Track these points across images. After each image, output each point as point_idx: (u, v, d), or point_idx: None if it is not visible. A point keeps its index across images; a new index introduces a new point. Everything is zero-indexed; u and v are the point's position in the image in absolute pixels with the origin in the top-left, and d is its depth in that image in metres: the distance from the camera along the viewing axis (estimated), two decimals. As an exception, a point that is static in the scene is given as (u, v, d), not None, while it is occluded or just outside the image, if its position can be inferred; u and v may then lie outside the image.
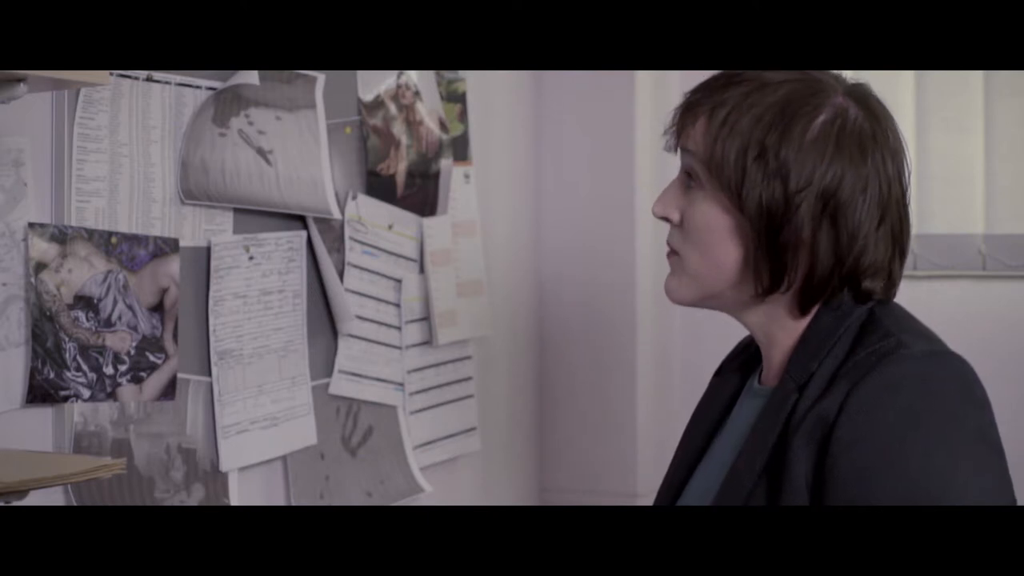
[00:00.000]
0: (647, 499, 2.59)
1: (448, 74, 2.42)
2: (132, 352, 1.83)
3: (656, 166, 2.68)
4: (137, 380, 1.84)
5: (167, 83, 1.88)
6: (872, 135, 1.37)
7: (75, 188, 1.76)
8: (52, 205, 1.74)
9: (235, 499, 1.99)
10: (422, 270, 2.35)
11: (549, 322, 2.76)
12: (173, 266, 1.89)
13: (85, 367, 1.77)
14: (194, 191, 1.92)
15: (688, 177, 1.42)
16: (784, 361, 1.40)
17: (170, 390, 1.89)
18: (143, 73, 1.84)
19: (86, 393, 1.77)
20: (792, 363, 1.37)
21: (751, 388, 1.48)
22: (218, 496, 1.96)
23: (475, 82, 2.50)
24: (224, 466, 1.97)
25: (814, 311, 1.39)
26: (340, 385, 2.19)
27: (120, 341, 1.81)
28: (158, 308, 1.87)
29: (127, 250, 1.82)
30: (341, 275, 2.17)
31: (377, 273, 2.25)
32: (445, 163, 2.39)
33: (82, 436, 1.77)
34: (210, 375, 1.96)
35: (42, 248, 1.72)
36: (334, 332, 2.18)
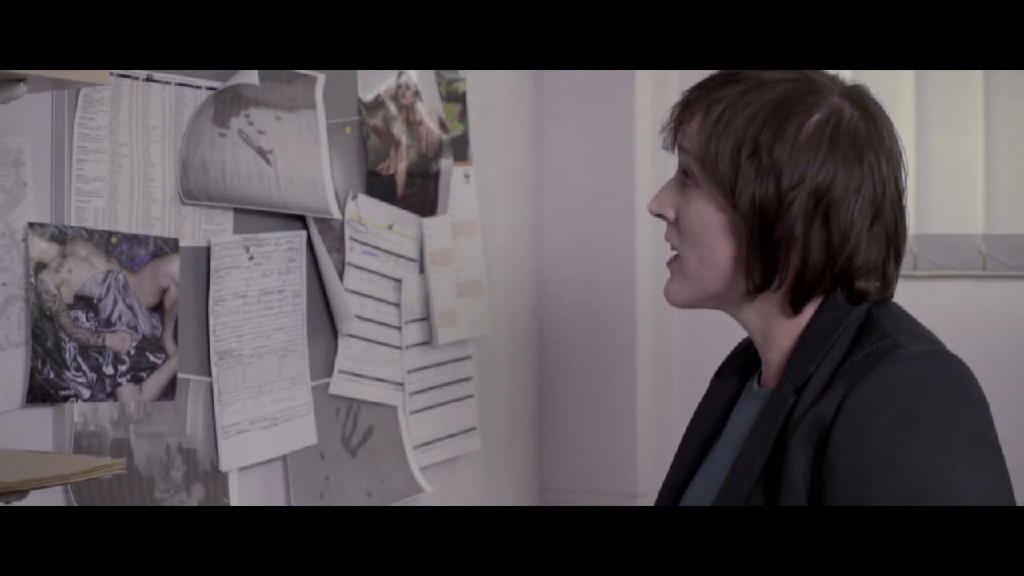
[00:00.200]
0: (647, 499, 2.59)
1: (448, 74, 2.42)
2: (132, 352, 1.83)
3: (656, 166, 2.68)
4: (137, 380, 1.84)
5: (167, 83, 1.88)
6: (867, 135, 1.38)
7: (75, 188, 1.76)
8: (52, 205, 1.74)
9: (235, 499, 1.99)
10: (422, 270, 2.35)
11: (549, 322, 2.76)
12: (173, 266, 1.89)
13: (85, 367, 1.77)
14: (194, 191, 1.92)
15: (684, 175, 1.42)
16: (782, 363, 1.41)
17: (170, 390, 1.89)
18: (143, 73, 1.84)
19: (86, 393, 1.77)
20: (790, 365, 1.38)
21: (750, 390, 1.48)
22: (218, 496, 1.96)
23: (475, 82, 2.50)
24: (224, 466, 1.97)
25: (812, 312, 1.40)
26: (340, 385, 2.19)
27: (120, 341, 1.81)
28: (158, 308, 1.87)
29: (127, 250, 1.82)
30: (341, 275, 2.17)
31: (377, 273, 2.25)
32: (445, 163, 2.39)
33: (82, 436, 1.77)
34: (210, 375, 1.96)
35: (42, 248, 1.72)
36: (334, 332, 2.18)
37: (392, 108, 2.26)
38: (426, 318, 2.37)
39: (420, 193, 2.34)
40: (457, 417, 2.46)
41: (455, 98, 2.44)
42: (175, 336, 1.89)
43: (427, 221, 2.36)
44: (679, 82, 2.61)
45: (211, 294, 1.95)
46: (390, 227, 2.28)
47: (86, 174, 1.78)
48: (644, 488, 2.66)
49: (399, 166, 2.28)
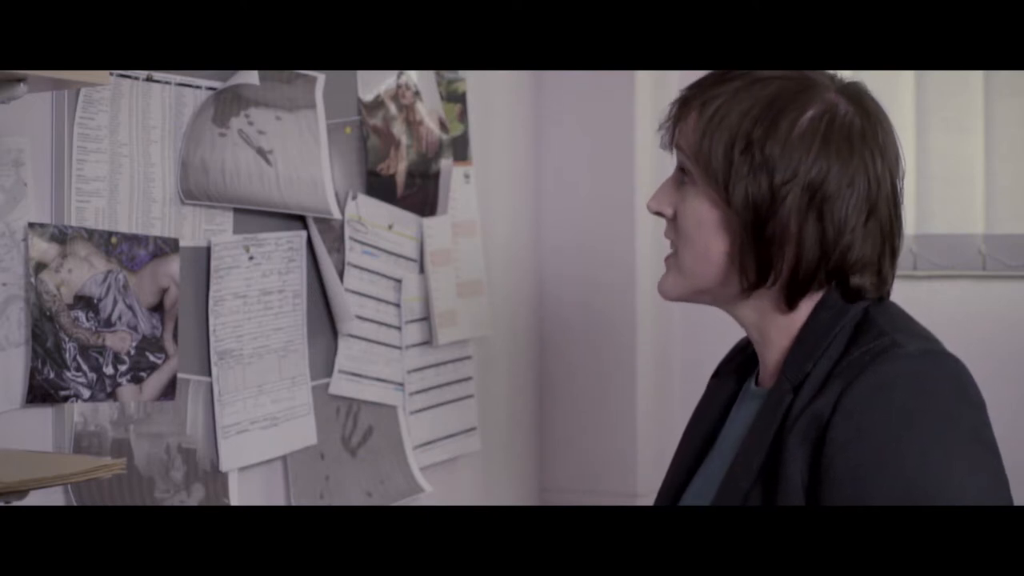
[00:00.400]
0: (647, 499, 2.59)
1: (448, 74, 2.42)
2: (132, 352, 1.83)
3: (656, 166, 2.68)
4: (137, 380, 1.84)
5: (167, 83, 1.88)
6: (862, 132, 1.37)
7: (75, 188, 1.76)
8: (52, 205, 1.74)
9: (235, 499, 1.99)
10: (422, 270, 2.35)
11: (549, 322, 2.76)
12: (173, 266, 1.89)
13: (85, 367, 1.77)
14: (194, 191, 1.92)
15: (682, 172, 1.43)
16: (779, 362, 1.41)
17: (170, 390, 1.89)
18: (143, 73, 1.84)
19: (86, 393, 1.77)
20: (787, 364, 1.38)
21: (748, 390, 1.48)
22: (218, 496, 1.96)
23: (475, 82, 2.50)
24: (224, 466, 1.97)
25: (808, 310, 1.40)
26: (340, 385, 2.19)
27: (120, 341, 1.81)
28: (158, 308, 1.87)
29: (127, 250, 1.82)
30: (341, 275, 2.17)
31: (377, 273, 2.25)
32: (445, 163, 2.39)
33: (82, 436, 1.77)
34: (210, 375, 1.96)
35: (42, 248, 1.72)
36: (334, 332, 2.19)
37: (392, 108, 2.26)
38: (426, 318, 2.37)
39: (420, 193, 2.34)
40: (457, 417, 2.46)
41: (455, 98, 2.44)
42: (175, 336, 1.89)
43: (427, 221, 2.36)
44: (679, 82, 2.59)
45: (211, 294, 1.95)
46: (390, 227, 2.28)
47: (86, 174, 1.78)
48: (644, 488, 2.66)
49: (399, 166, 2.28)
